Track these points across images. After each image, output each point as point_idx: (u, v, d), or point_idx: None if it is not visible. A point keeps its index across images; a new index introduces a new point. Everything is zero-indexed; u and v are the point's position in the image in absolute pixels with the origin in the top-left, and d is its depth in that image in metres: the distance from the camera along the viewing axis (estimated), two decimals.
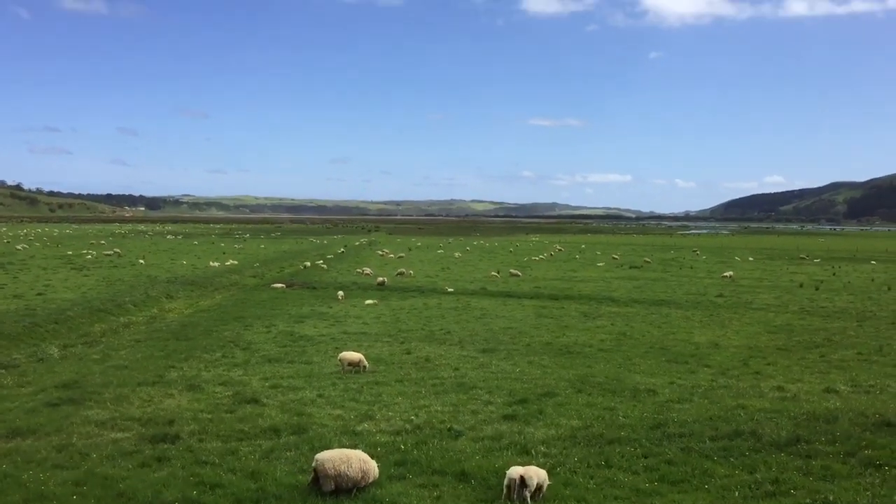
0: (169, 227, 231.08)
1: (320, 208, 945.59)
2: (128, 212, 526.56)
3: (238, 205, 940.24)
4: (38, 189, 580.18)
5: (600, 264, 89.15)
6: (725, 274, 71.18)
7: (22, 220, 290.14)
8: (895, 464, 13.94)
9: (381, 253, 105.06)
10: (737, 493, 12.96)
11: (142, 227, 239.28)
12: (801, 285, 61.84)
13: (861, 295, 54.19)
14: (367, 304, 45.87)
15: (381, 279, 58.72)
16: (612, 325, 37.86)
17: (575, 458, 14.91)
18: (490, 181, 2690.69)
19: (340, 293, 50.13)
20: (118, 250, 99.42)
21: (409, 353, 28.57)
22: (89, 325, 36.74)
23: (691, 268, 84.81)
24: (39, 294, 48.27)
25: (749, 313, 43.53)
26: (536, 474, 12.77)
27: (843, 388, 21.75)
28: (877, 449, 14.86)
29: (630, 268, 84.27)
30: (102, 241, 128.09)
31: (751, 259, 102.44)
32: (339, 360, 24.91)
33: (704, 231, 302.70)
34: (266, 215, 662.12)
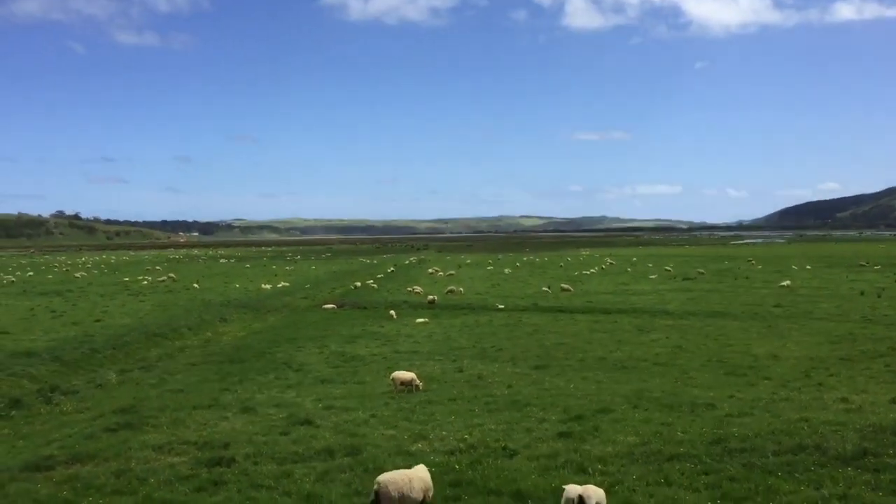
0: (222, 252, 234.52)
1: (369, 228, 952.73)
2: (182, 237, 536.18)
3: (288, 227, 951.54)
4: (95, 217, 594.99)
5: (653, 276, 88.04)
6: (783, 283, 69.80)
7: (80, 249, 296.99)
8: None
9: (430, 271, 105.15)
10: None
11: (195, 251, 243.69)
12: (862, 293, 60.26)
13: None
14: (419, 323, 45.87)
15: (431, 297, 58.71)
16: (666, 338, 37.24)
17: (633, 475, 14.54)
18: (538, 196, 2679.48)
19: (392, 312, 50.23)
20: (173, 275, 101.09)
21: (461, 370, 28.41)
22: (146, 349, 37.35)
23: (747, 278, 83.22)
24: (97, 320, 49.27)
25: (809, 323, 42.50)
26: (595, 493, 12.50)
27: None
28: None
29: (683, 279, 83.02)
30: (157, 267, 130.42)
31: (808, 267, 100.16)
32: (392, 379, 24.85)
33: (759, 240, 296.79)
34: (316, 237, 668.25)
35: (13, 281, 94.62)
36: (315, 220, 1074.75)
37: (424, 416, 20.21)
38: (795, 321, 43.60)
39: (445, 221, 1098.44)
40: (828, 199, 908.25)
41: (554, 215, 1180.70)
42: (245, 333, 44.10)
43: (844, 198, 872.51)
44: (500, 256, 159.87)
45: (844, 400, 20.94)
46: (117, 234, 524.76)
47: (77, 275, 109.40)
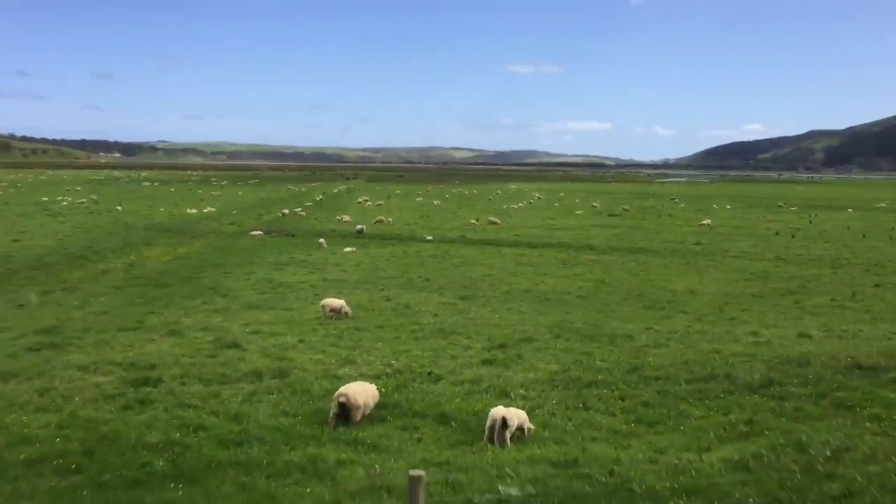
0: (144, 174, 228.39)
1: (298, 155, 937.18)
2: (102, 157, 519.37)
3: (215, 151, 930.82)
4: (10, 134, 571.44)
5: (579, 212, 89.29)
6: (703, 222, 71.75)
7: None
8: (865, 405, 14.28)
9: (359, 201, 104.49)
10: (711, 434, 13.24)
11: (116, 173, 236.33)
12: (777, 233, 62.46)
13: (836, 242, 54.84)
14: (347, 252, 45.87)
15: (360, 227, 58.59)
16: (590, 272, 38.17)
17: (553, 400, 15.17)
18: (470, 129, 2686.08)
19: (322, 240, 50.01)
20: (94, 197, 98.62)
21: (388, 299, 28.71)
22: (67, 271, 36.53)
23: (669, 216, 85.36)
24: (16, 241, 47.95)
25: (726, 261, 44.03)
26: (517, 416, 13.02)
27: (816, 333, 22.17)
28: (848, 391, 15.19)
29: (609, 216, 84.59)
30: (78, 188, 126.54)
31: (728, 207, 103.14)
32: (322, 305, 25.01)
33: (683, 179, 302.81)
34: (243, 161, 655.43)
35: None
36: (243, 144, 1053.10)
37: (352, 342, 20.52)
38: (713, 258, 45.13)
39: (376, 151, 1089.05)
40: (751, 140, 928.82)
41: (485, 148, 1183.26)
42: (170, 258, 43.41)
43: (766, 139, 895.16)
44: (429, 188, 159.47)
45: (754, 333, 22.01)
46: (34, 151, 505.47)
47: None
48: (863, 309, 27.40)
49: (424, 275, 36.14)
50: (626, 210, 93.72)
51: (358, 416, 13.74)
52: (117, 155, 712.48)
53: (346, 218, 69.29)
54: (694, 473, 10.73)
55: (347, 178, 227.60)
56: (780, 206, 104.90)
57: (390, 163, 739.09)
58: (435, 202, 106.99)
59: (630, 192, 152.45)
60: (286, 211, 79.65)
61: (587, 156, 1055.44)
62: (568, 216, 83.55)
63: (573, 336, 21.44)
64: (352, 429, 13.44)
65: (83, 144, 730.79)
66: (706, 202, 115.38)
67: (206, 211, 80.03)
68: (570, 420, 14.02)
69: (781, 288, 32.79)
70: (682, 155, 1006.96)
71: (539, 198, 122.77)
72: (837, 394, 15.04)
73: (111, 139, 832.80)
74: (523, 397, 15.18)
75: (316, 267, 38.96)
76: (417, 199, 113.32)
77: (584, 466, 11.24)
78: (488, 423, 12.93)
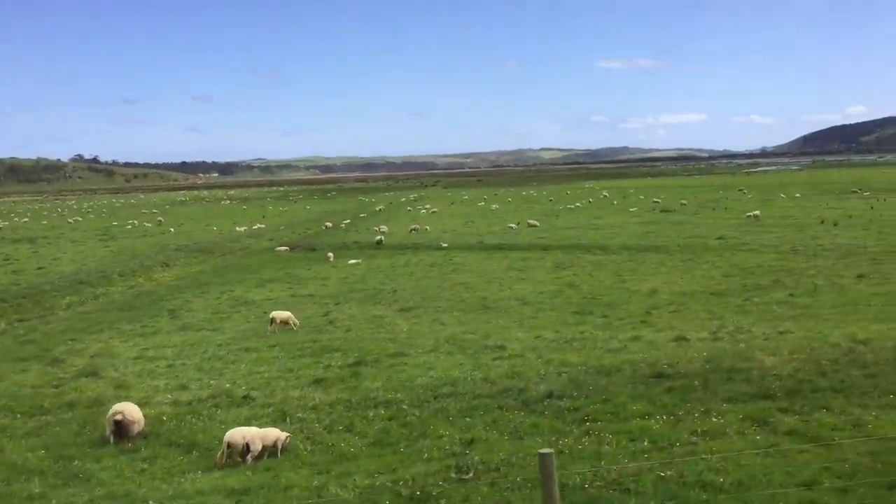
0: (231, 193, 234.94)
1: (388, 164, 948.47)
2: (200, 178, 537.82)
3: (309, 165, 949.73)
4: (114, 161, 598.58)
5: (633, 209, 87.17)
6: (750, 213, 68.94)
7: (95, 192, 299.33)
8: (608, 420, 13.34)
9: (424, 209, 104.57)
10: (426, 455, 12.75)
11: (205, 193, 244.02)
12: (822, 221, 59.45)
13: (876, 230, 51.43)
14: (350, 264, 46.00)
15: (378, 237, 58.74)
16: (572, 275, 37.10)
17: (324, 422, 15.01)
18: (561, 128, 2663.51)
19: (330, 254, 50.27)
20: (161, 219, 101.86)
21: (326, 314, 28.61)
22: (59, 298, 37.70)
23: (725, 209, 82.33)
24: (40, 268, 49.79)
25: (734, 255, 41.98)
26: (250, 435, 12.83)
27: (703, 335, 20.62)
28: (599, 404, 14.41)
29: (661, 211, 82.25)
30: (155, 210, 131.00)
31: (797, 195, 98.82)
32: (271, 317, 26.16)
33: (773, 168, 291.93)
34: (332, 175, 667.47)
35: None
36: (337, 157, 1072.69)
37: (222, 364, 20.51)
38: (721, 253, 43.17)
39: (466, 156, 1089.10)
40: (853, 122, 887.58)
41: (575, 147, 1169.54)
42: (173, 279, 44.47)
43: (870, 121, 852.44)
44: (502, 191, 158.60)
45: (636, 338, 20.58)
46: (135, 176, 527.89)
47: (71, 220, 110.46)
48: (812, 304, 25.57)
49: (396, 286, 35.81)
50: (684, 204, 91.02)
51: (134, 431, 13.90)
52: (215, 175, 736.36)
53: (384, 228, 69.45)
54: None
55: (426, 186, 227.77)
56: (854, 192, 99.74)
57: (478, 167, 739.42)
58: (493, 206, 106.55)
59: (706, 185, 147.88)
60: (329, 224, 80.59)
61: (680, 149, 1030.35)
62: (619, 214, 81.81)
63: (450, 348, 20.83)
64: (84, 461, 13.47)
65: (184, 167, 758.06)
66: (776, 192, 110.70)
67: (255, 227, 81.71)
68: (317, 444, 13.59)
69: (752, 284, 30.99)
70: (781, 142, 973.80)
71: (605, 196, 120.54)
72: (591, 407, 14.21)
73: (210, 160, 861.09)
74: (301, 420, 14.83)
75: (298, 282, 39.27)
76: (479, 205, 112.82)
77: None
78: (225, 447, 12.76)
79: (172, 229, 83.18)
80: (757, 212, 70.06)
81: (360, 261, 47.20)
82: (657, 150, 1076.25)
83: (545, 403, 14.58)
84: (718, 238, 51.32)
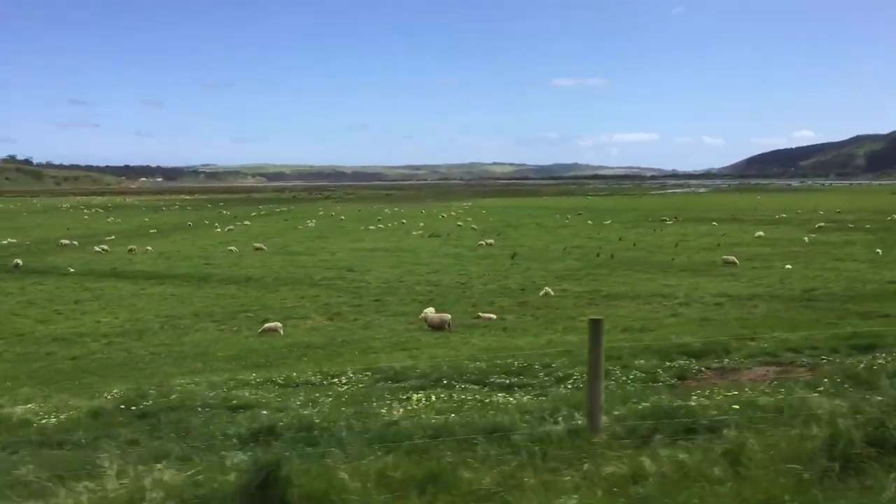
0: (139, 200, 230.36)
1: (338, 174, 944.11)
2: (133, 184, 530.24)
3: (257, 173, 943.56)
4: (48, 162, 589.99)
5: (416, 233, 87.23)
6: (483, 241, 69.51)
7: (20, 195, 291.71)
8: None
9: (233, 227, 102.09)
10: None
11: (128, 199, 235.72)
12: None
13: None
14: None
15: (17, 261, 56.76)
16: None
17: None
18: (513, 144, 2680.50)
19: None
20: None
21: None
22: None
23: (498, 234, 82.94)
24: None
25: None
26: None
27: None
28: None
29: (430, 236, 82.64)
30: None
31: (608, 222, 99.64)
32: None
33: (680, 191, 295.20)
34: (276, 183, 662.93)
35: None
36: (287, 165, 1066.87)
37: None
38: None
39: (417, 168, 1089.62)
40: (795, 147, 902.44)
41: (527, 162, 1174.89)
42: None
43: (812, 146, 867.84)
44: (385, 207, 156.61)
45: None
46: (66, 179, 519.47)
47: None
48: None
49: None
50: (460, 226, 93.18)
51: None
52: (160, 179, 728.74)
53: (105, 248, 68.25)
54: None
55: (334, 200, 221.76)
56: (664, 220, 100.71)
57: (425, 181, 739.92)
58: (310, 223, 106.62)
59: (563, 207, 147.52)
60: (76, 242, 75.49)
61: (630, 167, 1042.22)
62: (394, 237, 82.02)
63: None
64: None
65: (126, 170, 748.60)
66: (623, 216, 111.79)
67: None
68: None
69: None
70: (728, 163, 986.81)
71: (443, 217, 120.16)
72: None
73: (158, 164, 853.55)
74: None
75: None
76: (309, 223, 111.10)
77: None
78: None
79: None
80: (491, 241, 70.50)
81: None
82: (607, 167, 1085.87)
83: None
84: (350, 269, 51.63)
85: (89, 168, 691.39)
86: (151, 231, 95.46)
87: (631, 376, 12.10)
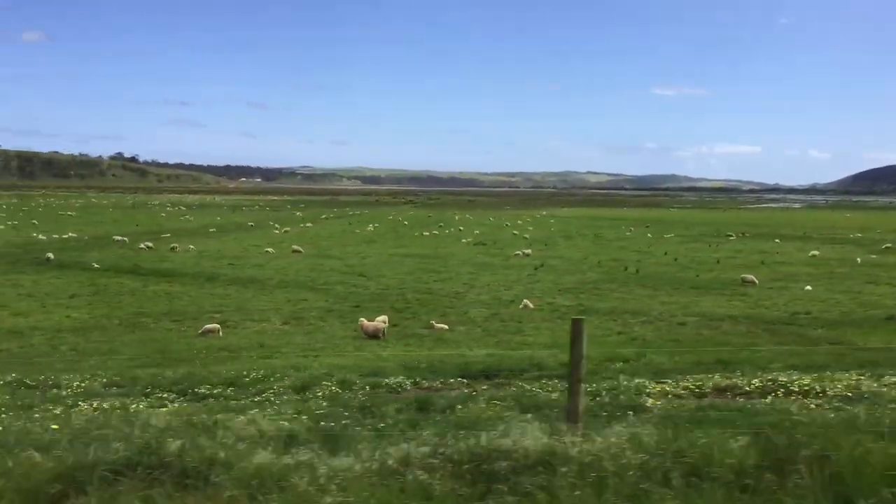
0: (227, 199, 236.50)
1: (432, 179, 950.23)
2: (231, 184, 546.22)
3: (353, 176, 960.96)
4: (153, 161, 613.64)
5: (465, 240, 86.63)
6: (519, 252, 68.29)
7: (104, 191, 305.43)
8: None
9: (279, 230, 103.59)
10: None
11: (217, 199, 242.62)
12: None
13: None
14: None
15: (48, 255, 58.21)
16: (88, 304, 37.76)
17: None
18: (610, 153, 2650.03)
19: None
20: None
21: None
22: None
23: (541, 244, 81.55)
24: None
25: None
26: None
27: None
28: None
29: (475, 244, 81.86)
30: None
31: (669, 236, 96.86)
32: None
33: (775, 206, 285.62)
34: (366, 186, 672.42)
35: None
36: (381, 168, 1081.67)
37: None
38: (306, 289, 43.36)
39: (512, 175, 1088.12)
40: None
41: (624, 172, 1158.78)
42: None
43: None
44: (451, 213, 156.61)
45: None
46: (167, 177, 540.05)
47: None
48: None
49: None
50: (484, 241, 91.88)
51: None
52: (258, 179, 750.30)
53: (150, 245, 69.90)
54: None
55: (413, 205, 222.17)
56: (729, 236, 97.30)
57: (518, 188, 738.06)
58: (369, 227, 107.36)
59: (668, 219, 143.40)
60: (126, 239, 77.99)
61: (729, 180, 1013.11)
62: (436, 244, 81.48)
63: None
64: None
65: (227, 170, 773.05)
66: (675, 229, 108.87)
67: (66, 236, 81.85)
68: None
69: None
70: (835, 178, 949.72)
71: (507, 225, 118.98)
72: None
73: (255, 165, 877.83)
74: None
75: None
76: (368, 228, 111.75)
77: None
78: None
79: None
80: (528, 251, 69.29)
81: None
82: (706, 179, 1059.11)
83: None
84: (360, 274, 51.36)
85: (192, 167, 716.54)
86: (211, 230, 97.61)
87: None
